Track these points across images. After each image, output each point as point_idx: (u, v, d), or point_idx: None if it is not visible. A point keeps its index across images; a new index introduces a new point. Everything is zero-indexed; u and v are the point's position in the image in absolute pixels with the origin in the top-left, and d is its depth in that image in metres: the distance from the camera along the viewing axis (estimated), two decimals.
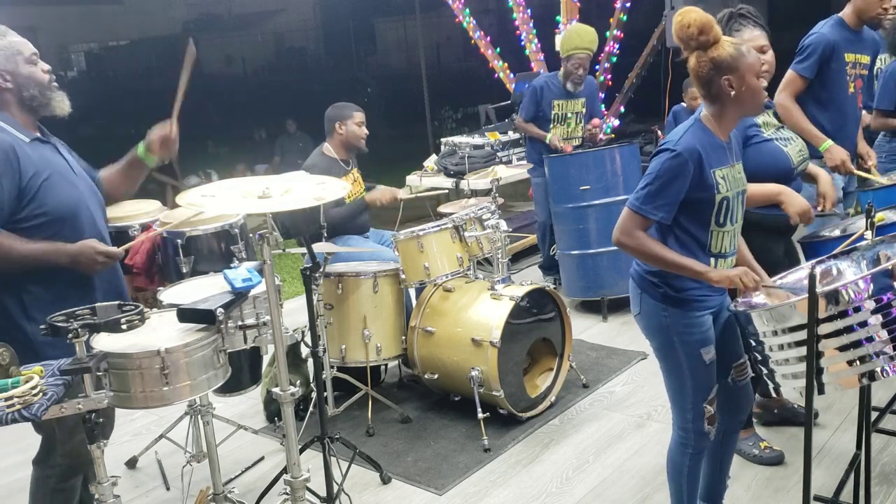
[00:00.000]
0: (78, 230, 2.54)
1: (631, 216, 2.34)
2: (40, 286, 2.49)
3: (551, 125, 5.30)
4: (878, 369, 2.13)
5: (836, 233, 3.05)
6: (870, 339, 2.12)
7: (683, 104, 6.23)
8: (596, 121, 5.42)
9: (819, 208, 3.06)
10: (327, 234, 4.01)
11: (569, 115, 5.30)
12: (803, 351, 2.17)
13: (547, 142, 5.24)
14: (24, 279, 2.47)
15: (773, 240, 2.92)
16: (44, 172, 2.48)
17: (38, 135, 2.56)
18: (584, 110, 5.37)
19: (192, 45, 2.64)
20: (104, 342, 2.31)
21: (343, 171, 4.30)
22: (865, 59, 3.69)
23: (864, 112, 3.93)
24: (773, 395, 3.47)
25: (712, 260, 2.39)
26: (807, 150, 3.04)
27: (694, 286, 2.39)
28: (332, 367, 3.89)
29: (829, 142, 3.48)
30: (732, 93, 2.30)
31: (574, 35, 5.16)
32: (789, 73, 3.59)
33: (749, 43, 2.55)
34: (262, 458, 3.67)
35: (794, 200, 2.70)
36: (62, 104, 2.58)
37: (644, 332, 2.54)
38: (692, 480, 2.60)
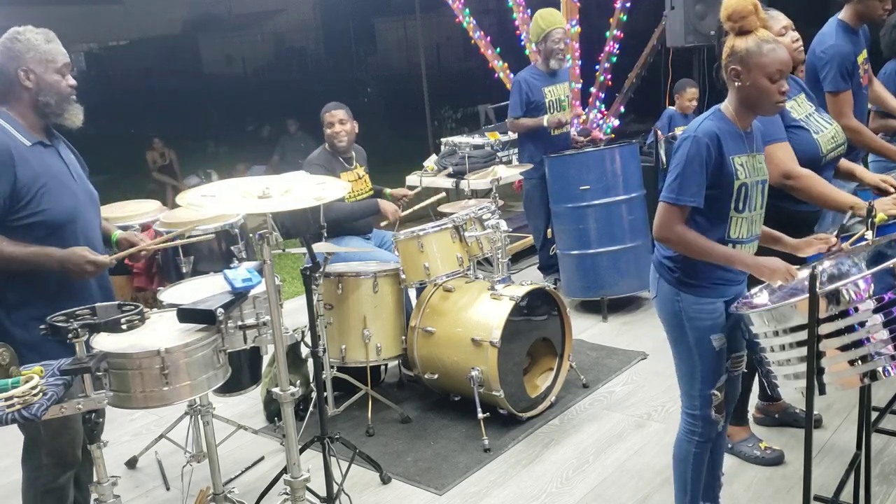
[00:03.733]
0: (73, 237, 2.54)
1: (668, 209, 2.36)
2: (26, 290, 2.50)
3: (548, 114, 5.22)
4: (880, 369, 2.13)
5: (836, 233, 3.04)
6: (871, 339, 2.12)
7: (673, 108, 6.21)
8: (576, 114, 5.42)
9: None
10: (328, 234, 4.01)
11: (562, 98, 5.27)
12: (804, 351, 2.17)
13: (546, 124, 5.13)
14: (8, 283, 2.48)
15: (796, 233, 2.90)
16: (42, 178, 2.48)
17: (42, 138, 2.56)
18: (570, 93, 5.37)
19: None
20: (104, 342, 2.31)
21: (343, 167, 4.32)
22: (865, 53, 3.70)
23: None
24: (773, 395, 3.49)
25: (730, 246, 2.42)
26: (842, 137, 3.04)
27: (707, 272, 2.41)
28: (332, 367, 3.89)
29: None
30: (737, 83, 2.35)
31: (542, 18, 5.16)
32: (832, 97, 3.47)
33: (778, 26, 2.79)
34: (262, 458, 3.67)
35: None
36: (74, 117, 2.60)
37: (658, 316, 2.58)
38: (697, 470, 2.62)
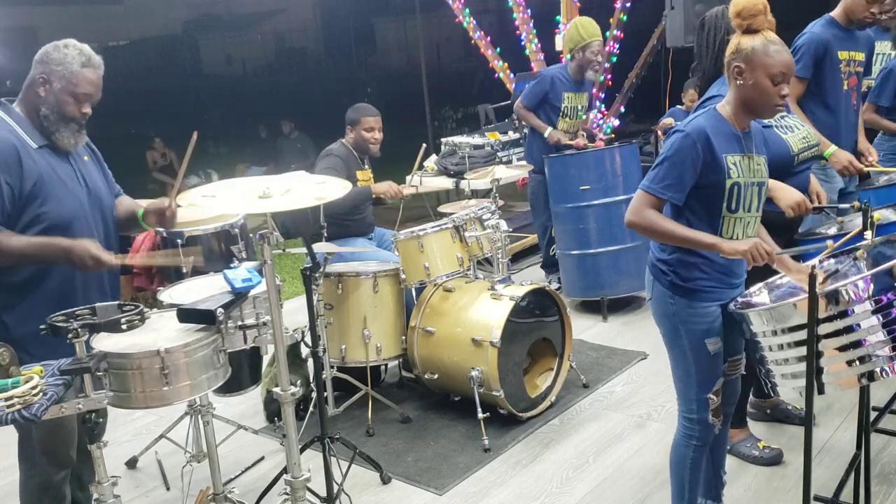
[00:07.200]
0: (72, 239, 2.52)
1: (641, 196, 2.38)
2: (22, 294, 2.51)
3: (559, 117, 5.24)
4: (878, 370, 2.13)
5: (833, 231, 3.05)
6: (868, 340, 2.12)
7: (680, 106, 6.24)
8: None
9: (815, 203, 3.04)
10: (329, 235, 4.01)
11: (578, 108, 5.28)
12: (803, 351, 2.17)
13: (546, 135, 5.19)
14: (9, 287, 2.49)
15: (773, 237, 2.91)
16: (46, 180, 2.49)
17: (48, 141, 2.57)
18: (587, 104, 5.37)
19: (195, 135, 2.68)
20: (104, 342, 2.31)
21: (359, 165, 4.36)
22: (860, 57, 3.68)
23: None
24: (771, 395, 3.49)
25: None
26: (813, 139, 3.03)
27: (701, 276, 2.41)
28: (332, 367, 3.89)
29: (834, 147, 3.46)
30: (738, 81, 2.34)
31: (582, 27, 5.13)
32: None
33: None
34: (262, 458, 3.67)
35: (785, 193, 2.71)
36: (66, 140, 2.58)
37: (654, 319, 2.58)
38: (694, 473, 2.61)
